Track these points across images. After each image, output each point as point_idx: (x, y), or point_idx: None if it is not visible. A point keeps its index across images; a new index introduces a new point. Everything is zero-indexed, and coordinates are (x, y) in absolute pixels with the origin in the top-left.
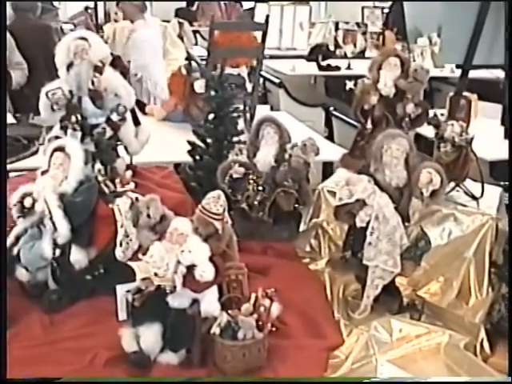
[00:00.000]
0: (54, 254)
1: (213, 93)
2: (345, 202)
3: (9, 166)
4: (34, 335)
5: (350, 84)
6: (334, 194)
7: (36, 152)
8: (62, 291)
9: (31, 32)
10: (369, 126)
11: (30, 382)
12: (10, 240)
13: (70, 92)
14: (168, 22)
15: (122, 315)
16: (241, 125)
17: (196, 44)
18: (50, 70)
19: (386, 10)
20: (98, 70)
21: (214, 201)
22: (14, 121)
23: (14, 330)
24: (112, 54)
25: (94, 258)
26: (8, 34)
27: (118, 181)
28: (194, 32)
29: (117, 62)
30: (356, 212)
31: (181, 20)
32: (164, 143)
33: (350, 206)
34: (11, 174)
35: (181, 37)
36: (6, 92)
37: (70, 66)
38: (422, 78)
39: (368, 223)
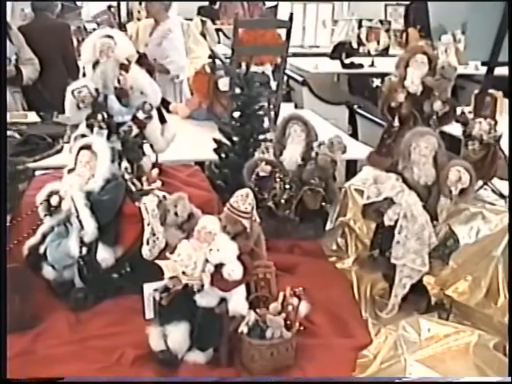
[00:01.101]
0: (80, 252)
1: (238, 91)
2: (373, 200)
3: (34, 164)
4: (61, 333)
5: (376, 82)
6: (360, 192)
7: (60, 150)
8: (89, 289)
9: (49, 30)
10: (396, 123)
11: (30, 382)
12: (36, 238)
13: (96, 90)
14: (190, 20)
15: (149, 314)
16: (265, 123)
17: (219, 42)
18: (67, 68)
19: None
20: (124, 68)
21: (243, 199)
22: (38, 119)
23: (40, 328)
24: (138, 52)
25: (120, 257)
26: (17, 32)
27: (144, 179)
28: (217, 30)
29: (143, 60)
30: (384, 210)
31: (203, 18)
32: (188, 141)
33: (378, 205)
34: (37, 172)
35: (203, 35)
36: (5, 92)
37: (96, 64)
38: (449, 75)
39: (396, 222)
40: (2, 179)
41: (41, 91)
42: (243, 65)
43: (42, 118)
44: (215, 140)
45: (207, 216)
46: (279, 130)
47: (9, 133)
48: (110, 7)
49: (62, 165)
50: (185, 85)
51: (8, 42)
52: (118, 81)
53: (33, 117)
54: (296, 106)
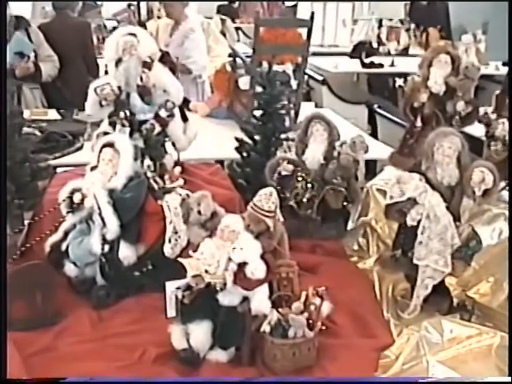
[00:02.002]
0: (102, 249)
1: (260, 89)
2: (396, 200)
3: (54, 162)
4: (83, 331)
5: (399, 81)
6: (382, 192)
7: (81, 148)
8: (110, 287)
9: (70, 29)
10: (418, 123)
11: (30, 382)
12: (58, 235)
13: (119, 88)
14: (210, 18)
15: (171, 312)
16: (287, 122)
17: (238, 41)
18: (87, 66)
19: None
20: (147, 65)
21: (266, 198)
22: (58, 116)
23: (62, 325)
24: (161, 50)
25: (142, 255)
26: (36, 29)
27: (167, 177)
28: (236, 29)
29: (165, 58)
30: (407, 210)
31: (223, 17)
32: (208, 140)
33: (400, 205)
34: (58, 170)
35: (223, 33)
36: (5, 92)
37: (118, 61)
38: (472, 75)
39: (419, 222)
40: (1, 178)
41: (60, 89)
42: (264, 63)
43: (62, 116)
44: (237, 139)
45: (231, 215)
46: (301, 128)
47: (29, 130)
48: (129, 5)
49: (83, 162)
50: (207, 84)
51: (27, 39)
52: (141, 79)
53: (53, 114)
54: (316, 106)
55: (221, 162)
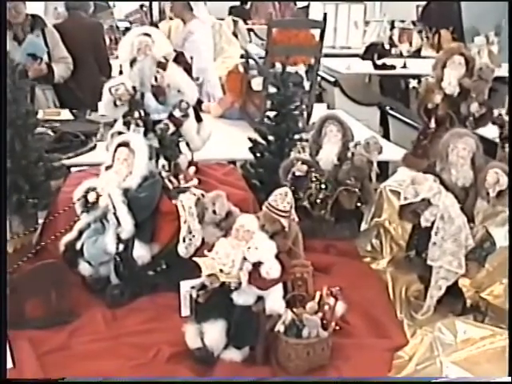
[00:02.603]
0: (117, 248)
1: (274, 90)
2: (410, 201)
3: (67, 161)
4: (97, 330)
5: (413, 82)
6: (396, 193)
7: (94, 148)
8: (124, 286)
9: (82, 29)
10: (432, 125)
11: (30, 381)
12: (72, 234)
13: (133, 88)
14: (222, 19)
15: (185, 311)
16: (300, 123)
17: (250, 42)
18: (99, 67)
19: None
20: (162, 66)
21: (281, 198)
22: (71, 117)
23: (76, 323)
24: (175, 50)
25: (156, 254)
26: (52, 29)
27: (181, 177)
28: (248, 30)
29: (180, 59)
30: (421, 211)
31: (235, 18)
32: (221, 140)
33: (415, 206)
34: (72, 169)
35: (235, 35)
36: (5, 92)
37: (133, 61)
38: (487, 76)
39: (433, 223)
40: (2, 178)
41: (73, 89)
42: (277, 64)
43: (75, 116)
44: (250, 139)
45: (246, 214)
46: (315, 129)
47: (42, 130)
48: (142, 6)
49: (96, 162)
50: (208, 86)
51: (42, 40)
52: (155, 79)
53: (66, 114)
54: (328, 107)
55: (233, 162)
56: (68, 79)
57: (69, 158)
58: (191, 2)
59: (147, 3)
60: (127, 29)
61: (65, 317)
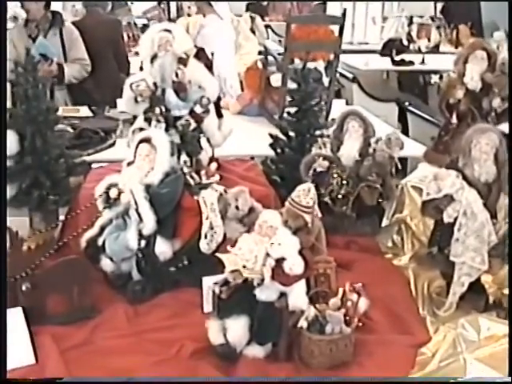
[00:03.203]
0: (139, 244)
1: (294, 86)
2: (432, 197)
3: (87, 158)
4: (119, 325)
5: (434, 78)
6: (417, 189)
7: (113, 144)
8: (146, 282)
9: (100, 26)
10: (454, 120)
11: (29, 381)
12: (94, 230)
13: (154, 84)
14: (240, 16)
15: (208, 307)
16: (321, 118)
17: (267, 39)
18: (118, 63)
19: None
20: (183, 61)
21: (304, 193)
22: (90, 113)
23: (98, 319)
24: (196, 46)
25: (178, 250)
26: (71, 28)
27: (203, 173)
28: (266, 26)
29: (201, 54)
30: (443, 207)
31: (253, 14)
32: (240, 136)
33: (437, 202)
34: (93, 166)
35: (253, 31)
36: (5, 92)
37: (154, 57)
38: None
39: (456, 219)
40: (2, 178)
41: (89, 90)
42: (296, 60)
43: (94, 113)
44: (271, 135)
45: (269, 210)
46: (337, 125)
47: (61, 126)
48: (159, 3)
49: (115, 159)
50: (222, 82)
51: (59, 38)
52: (176, 75)
53: (85, 111)
54: (347, 103)
55: (251, 158)
56: (85, 80)
57: (88, 154)
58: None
59: (165, 0)
60: (145, 25)
61: (87, 313)
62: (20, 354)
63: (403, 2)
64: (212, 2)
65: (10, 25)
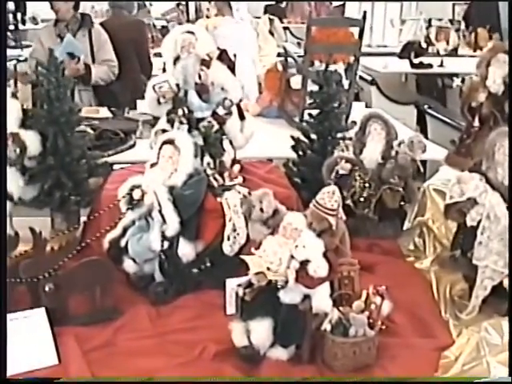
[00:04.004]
0: (162, 246)
1: (316, 88)
2: (456, 200)
3: (107, 159)
4: (142, 327)
5: (457, 81)
6: (439, 192)
7: (133, 145)
8: (168, 284)
9: (125, 28)
10: (476, 123)
11: (29, 381)
12: (117, 231)
13: (177, 85)
14: (258, 18)
15: (231, 309)
16: (343, 121)
17: (286, 41)
18: (141, 65)
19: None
20: (205, 63)
21: (329, 196)
22: (109, 114)
23: (121, 320)
24: (219, 48)
25: (201, 252)
26: (100, 30)
27: (226, 174)
28: (284, 29)
29: (223, 56)
30: (467, 210)
31: (271, 16)
32: (260, 139)
33: (460, 205)
34: (115, 167)
35: (271, 33)
36: (5, 91)
37: (176, 59)
38: None
39: (479, 222)
40: (2, 179)
41: (114, 92)
42: (316, 63)
43: (114, 114)
44: (293, 137)
45: (293, 212)
46: (359, 128)
47: (81, 127)
48: (178, 5)
49: (136, 160)
50: None
51: (87, 39)
52: (199, 76)
53: (104, 112)
54: (366, 106)
55: (270, 160)
56: (111, 82)
57: (109, 155)
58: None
59: (184, 1)
60: (163, 27)
61: (109, 314)
62: (43, 355)
63: (421, 1)
64: (232, 3)
65: (29, 25)
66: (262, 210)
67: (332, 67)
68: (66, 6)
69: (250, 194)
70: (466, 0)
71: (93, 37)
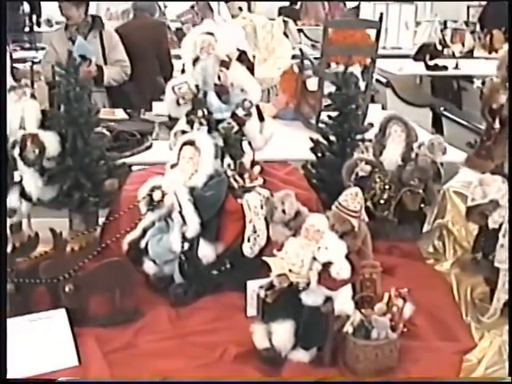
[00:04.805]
0: (182, 247)
1: (334, 90)
2: (478, 202)
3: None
4: (162, 328)
5: (477, 82)
6: (460, 194)
7: (150, 147)
8: (188, 285)
9: (146, 29)
10: (497, 125)
11: (29, 381)
12: (137, 232)
13: (197, 86)
14: (273, 19)
15: (251, 311)
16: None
17: (300, 43)
18: (161, 66)
19: None
20: (225, 64)
21: (352, 198)
22: (125, 116)
23: (141, 322)
24: (238, 49)
25: (221, 253)
26: (111, 32)
27: (246, 176)
28: (298, 30)
29: (243, 57)
30: (489, 213)
31: (285, 18)
32: (277, 141)
33: (482, 207)
34: (134, 168)
35: (285, 35)
36: (5, 91)
37: (196, 60)
38: None
39: (501, 225)
40: (1, 179)
41: (127, 93)
42: (332, 64)
43: (130, 115)
44: (312, 139)
45: (315, 214)
46: (379, 129)
47: (98, 129)
48: (192, 6)
49: (153, 161)
50: None
51: (99, 41)
52: (219, 77)
53: (120, 113)
54: (382, 108)
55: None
56: (124, 82)
57: (126, 156)
58: (211, 3)
59: (199, 3)
60: (178, 29)
61: (129, 315)
62: (63, 356)
63: (436, 1)
64: (212, 7)
65: (44, 28)
66: (284, 211)
67: (349, 69)
68: (78, 12)
69: (272, 195)
70: (481, 1)
71: (104, 38)
